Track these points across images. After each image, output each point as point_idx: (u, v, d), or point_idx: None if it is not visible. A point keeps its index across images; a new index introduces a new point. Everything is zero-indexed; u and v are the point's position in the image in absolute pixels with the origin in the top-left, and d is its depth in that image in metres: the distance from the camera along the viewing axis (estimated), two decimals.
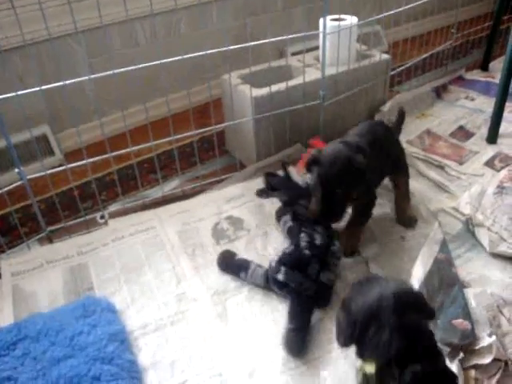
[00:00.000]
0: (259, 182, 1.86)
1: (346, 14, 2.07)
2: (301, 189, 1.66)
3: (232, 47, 1.70)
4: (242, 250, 1.62)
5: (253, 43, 1.71)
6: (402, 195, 1.74)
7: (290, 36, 1.74)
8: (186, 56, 1.65)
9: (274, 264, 1.42)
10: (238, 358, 1.30)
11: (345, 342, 1.01)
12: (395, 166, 1.70)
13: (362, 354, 0.98)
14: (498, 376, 1.23)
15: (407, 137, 2.19)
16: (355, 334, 0.96)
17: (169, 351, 1.33)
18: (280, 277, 1.39)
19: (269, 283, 1.44)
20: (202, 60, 1.74)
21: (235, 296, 1.47)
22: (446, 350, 1.26)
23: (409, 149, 2.08)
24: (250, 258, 1.57)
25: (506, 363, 1.25)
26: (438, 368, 0.93)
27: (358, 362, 1.04)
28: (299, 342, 1.31)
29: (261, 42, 1.73)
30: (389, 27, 3.05)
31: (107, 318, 1.36)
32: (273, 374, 1.26)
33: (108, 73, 1.58)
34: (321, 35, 1.83)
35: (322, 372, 1.26)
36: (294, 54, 2.54)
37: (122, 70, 1.57)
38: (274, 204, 1.76)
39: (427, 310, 0.99)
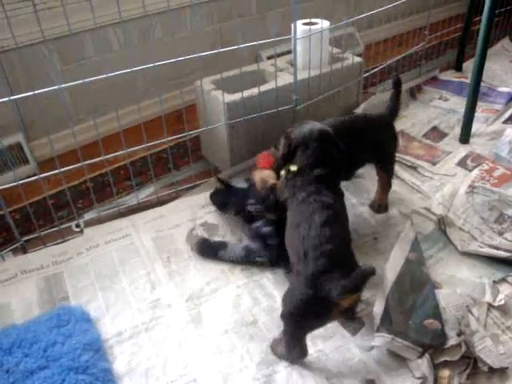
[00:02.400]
0: None
1: (320, 17, 2.09)
2: (243, 191, 1.69)
3: (203, 54, 1.71)
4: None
5: (223, 49, 1.72)
6: (383, 183, 1.80)
7: (261, 41, 1.75)
8: (157, 63, 1.65)
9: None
10: (213, 363, 1.31)
11: (283, 157, 1.43)
12: (377, 154, 1.73)
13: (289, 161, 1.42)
14: (467, 372, 1.26)
15: None
16: (291, 151, 1.40)
17: (143, 358, 1.34)
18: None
19: (249, 256, 1.58)
20: (177, 65, 1.75)
21: (210, 301, 1.48)
22: (418, 350, 1.28)
23: None
24: (225, 263, 1.60)
25: (475, 360, 1.28)
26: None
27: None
28: None
29: (231, 48, 1.73)
30: (364, 29, 3.10)
31: (82, 327, 1.37)
32: (247, 379, 1.27)
33: (78, 82, 1.57)
34: (292, 40, 1.84)
35: (297, 378, 1.27)
36: (269, 58, 2.55)
37: (92, 79, 1.57)
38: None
39: (338, 146, 1.40)
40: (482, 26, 1.99)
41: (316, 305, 1.15)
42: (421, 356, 1.27)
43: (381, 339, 1.31)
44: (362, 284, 1.12)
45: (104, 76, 1.60)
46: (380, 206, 1.82)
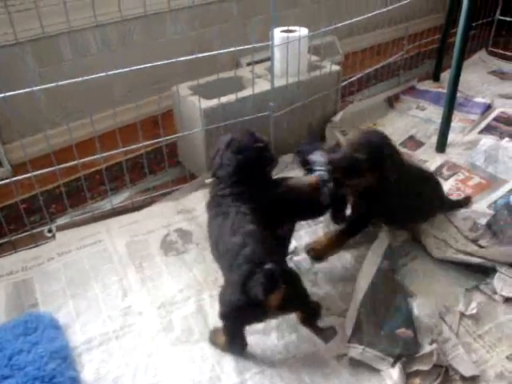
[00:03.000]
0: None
1: (303, 25, 2.10)
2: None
3: (180, 59, 1.70)
4: (190, 263, 1.61)
5: (201, 55, 1.71)
6: None
7: (238, 48, 1.75)
8: (132, 68, 1.64)
9: None
10: (183, 372, 1.29)
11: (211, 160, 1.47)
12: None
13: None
14: (438, 381, 1.26)
15: None
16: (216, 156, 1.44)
17: (113, 367, 1.31)
18: None
19: None
20: (156, 70, 1.74)
21: (181, 308, 1.46)
22: (389, 360, 1.28)
23: None
24: (199, 271, 1.58)
25: (447, 369, 1.28)
26: None
27: None
28: None
29: (208, 54, 1.73)
30: (344, 38, 3.12)
31: (50, 335, 1.34)
32: None
33: (52, 85, 1.55)
34: (270, 47, 1.84)
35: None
36: (249, 64, 2.55)
37: (66, 82, 1.55)
38: None
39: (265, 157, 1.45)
40: (458, 38, 2.02)
41: (250, 308, 1.20)
42: (393, 365, 1.27)
43: (352, 350, 1.31)
44: (275, 282, 1.15)
45: (79, 79, 1.58)
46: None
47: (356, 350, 1.30)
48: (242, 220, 1.30)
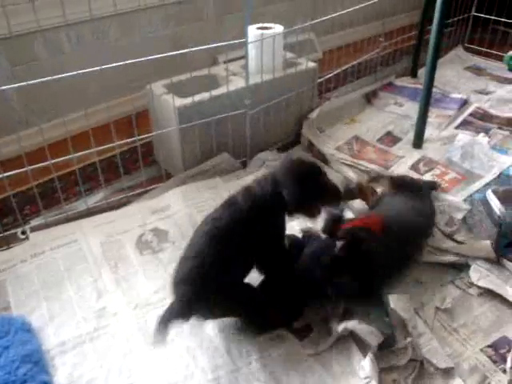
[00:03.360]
0: (186, 192, 1.85)
1: (281, 23, 2.09)
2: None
3: (153, 57, 1.69)
4: (166, 262, 1.60)
5: (174, 53, 1.70)
6: None
7: (212, 45, 1.74)
8: (104, 66, 1.62)
9: None
10: (158, 372, 1.28)
11: None
12: None
13: None
14: (413, 375, 1.27)
15: (336, 143, 2.23)
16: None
17: (87, 369, 1.30)
18: None
19: None
20: (132, 69, 1.72)
21: (157, 309, 1.44)
22: (379, 337, 1.30)
23: (337, 155, 2.11)
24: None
25: (422, 363, 1.29)
26: None
27: None
28: None
29: (182, 51, 1.71)
30: (323, 35, 3.13)
31: (21, 339, 1.31)
32: None
33: (22, 84, 1.53)
34: (244, 44, 1.84)
35: (241, 382, 1.25)
36: (226, 61, 2.54)
37: (36, 81, 1.53)
38: (200, 212, 1.76)
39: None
40: (433, 35, 2.03)
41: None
42: (364, 356, 1.28)
43: (345, 323, 1.34)
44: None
45: (49, 78, 1.56)
46: None
47: (351, 323, 1.32)
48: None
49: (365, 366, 1.25)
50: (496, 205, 1.75)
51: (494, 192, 1.82)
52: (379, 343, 1.30)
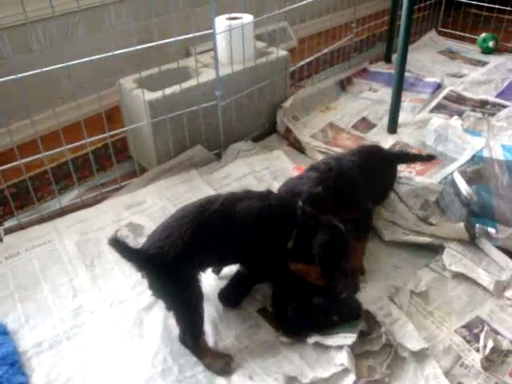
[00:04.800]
0: (161, 186, 1.85)
1: (252, 12, 2.08)
2: None
3: (123, 50, 1.67)
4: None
5: (141, 46, 1.69)
6: None
7: (180, 37, 1.73)
8: (70, 63, 1.60)
9: None
10: (136, 365, 1.28)
11: None
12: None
13: None
14: (388, 361, 1.28)
15: (311, 131, 2.23)
16: None
17: (64, 368, 1.29)
18: None
19: None
20: (103, 64, 1.70)
21: (134, 304, 1.45)
22: (353, 336, 1.29)
23: (312, 143, 2.12)
24: None
25: (396, 348, 1.30)
26: None
27: None
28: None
29: (150, 45, 1.71)
30: (297, 23, 3.11)
31: None
32: (169, 381, 1.25)
33: None
34: (212, 35, 1.82)
35: (218, 380, 1.25)
36: (199, 53, 2.52)
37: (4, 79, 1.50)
38: (175, 205, 1.76)
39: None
40: (403, 19, 2.04)
41: None
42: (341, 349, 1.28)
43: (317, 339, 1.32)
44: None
45: (15, 77, 1.54)
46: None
47: (322, 338, 1.31)
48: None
49: (341, 355, 1.26)
50: (463, 185, 1.76)
51: (462, 173, 1.85)
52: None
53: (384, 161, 1.75)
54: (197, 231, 1.22)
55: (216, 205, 1.27)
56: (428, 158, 1.89)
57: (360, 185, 1.54)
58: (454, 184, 1.76)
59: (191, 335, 1.26)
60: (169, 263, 1.19)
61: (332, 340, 1.30)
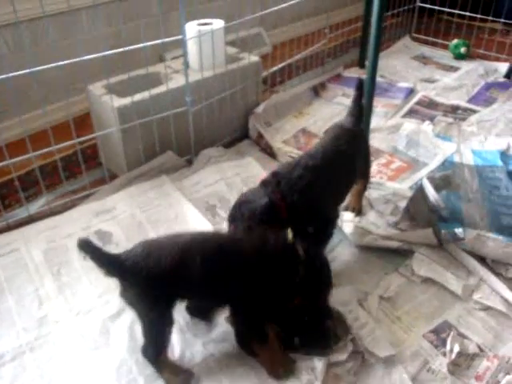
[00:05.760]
0: (131, 193, 1.83)
1: (225, 17, 2.08)
2: None
3: (92, 56, 1.65)
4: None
5: (110, 52, 1.67)
6: (359, 189, 1.76)
7: (149, 43, 1.71)
8: (34, 69, 1.57)
9: None
10: (101, 376, 1.26)
11: None
12: (362, 170, 1.70)
13: None
14: (355, 368, 1.27)
15: (283, 136, 2.24)
16: None
17: (26, 380, 1.27)
18: None
19: None
20: (75, 70, 1.67)
21: (100, 313, 1.43)
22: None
23: (284, 148, 2.12)
24: None
25: (363, 354, 1.29)
26: None
27: None
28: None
29: (118, 50, 1.69)
30: (271, 29, 3.12)
31: None
32: None
33: None
34: (182, 41, 1.81)
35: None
36: (173, 58, 2.51)
37: None
38: (145, 212, 1.74)
39: None
40: (373, 26, 2.03)
41: None
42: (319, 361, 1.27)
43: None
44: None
45: None
46: (354, 208, 1.78)
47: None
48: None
49: (309, 366, 1.25)
50: (431, 192, 1.78)
51: (430, 179, 1.86)
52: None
53: (353, 136, 1.62)
54: (180, 262, 1.17)
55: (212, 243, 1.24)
56: (358, 86, 1.71)
57: (317, 193, 1.43)
58: (422, 191, 1.77)
59: (153, 349, 1.23)
60: (140, 281, 1.16)
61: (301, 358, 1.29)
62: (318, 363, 1.25)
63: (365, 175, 1.75)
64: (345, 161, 1.55)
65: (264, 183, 1.41)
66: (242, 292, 1.20)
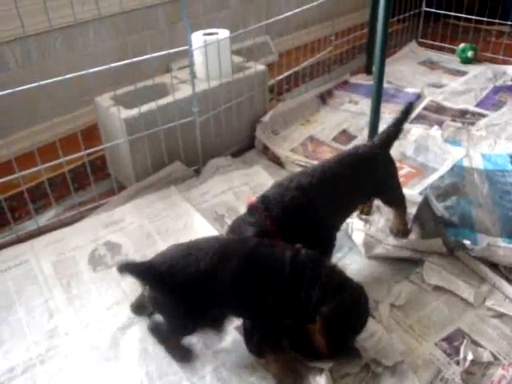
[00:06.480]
0: (139, 204, 1.83)
1: (232, 27, 2.09)
2: None
3: (99, 68, 1.66)
4: (118, 278, 1.57)
5: (116, 64, 1.68)
6: (395, 212, 1.69)
7: (155, 54, 1.72)
8: (42, 82, 1.59)
9: None
10: None
11: None
12: (377, 192, 1.61)
13: None
14: (367, 379, 1.26)
15: (291, 145, 2.23)
16: None
17: None
18: None
19: None
20: (83, 82, 1.68)
21: (109, 325, 1.42)
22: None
23: (292, 156, 2.12)
24: (127, 284, 1.54)
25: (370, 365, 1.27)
26: None
27: None
28: None
29: (124, 62, 1.70)
30: (277, 38, 3.13)
31: None
32: None
33: None
34: (188, 51, 1.82)
35: None
36: (180, 68, 2.52)
37: None
38: (153, 223, 1.74)
39: None
40: (379, 31, 2.03)
41: None
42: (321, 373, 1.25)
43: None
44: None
45: None
46: (399, 230, 1.69)
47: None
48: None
49: (319, 380, 1.23)
50: (435, 204, 1.76)
51: (435, 188, 1.85)
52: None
53: (364, 161, 1.54)
54: (218, 263, 1.17)
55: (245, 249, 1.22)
56: (406, 110, 1.62)
57: (313, 212, 1.38)
58: (427, 202, 1.75)
59: (166, 336, 1.29)
60: (175, 286, 1.17)
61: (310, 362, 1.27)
62: (324, 376, 1.23)
63: (393, 202, 1.67)
64: (347, 185, 1.47)
65: (251, 209, 1.36)
66: (270, 302, 1.18)
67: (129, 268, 1.18)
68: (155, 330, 1.30)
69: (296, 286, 1.16)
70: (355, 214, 1.73)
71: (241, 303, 1.22)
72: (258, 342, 1.26)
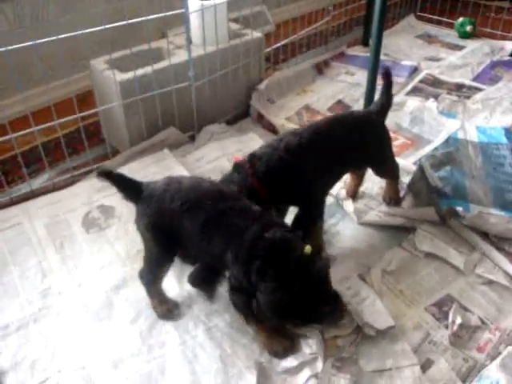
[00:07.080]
0: (131, 169, 1.82)
1: None
2: None
3: (92, 29, 1.64)
4: (112, 238, 1.58)
5: (110, 25, 1.66)
6: (386, 181, 1.70)
7: (152, 16, 1.70)
8: (37, 41, 1.56)
9: None
10: (103, 349, 1.27)
11: None
12: (366, 158, 1.56)
13: None
14: (357, 341, 1.28)
15: (286, 114, 2.22)
16: None
17: (30, 350, 1.28)
18: None
19: None
20: (76, 46, 1.65)
21: (102, 285, 1.43)
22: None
23: (287, 125, 2.11)
24: (121, 246, 1.55)
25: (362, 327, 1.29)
26: None
27: None
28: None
29: (118, 24, 1.68)
30: (274, 8, 3.09)
31: None
32: (138, 363, 1.24)
33: None
34: (184, 15, 1.80)
35: (191, 357, 1.25)
36: (176, 35, 2.48)
37: None
38: None
39: None
40: (377, 5, 2.01)
41: None
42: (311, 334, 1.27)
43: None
44: None
45: None
46: (391, 199, 1.70)
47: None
48: None
49: (311, 343, 1.25)
50: (429, 173, 1.77)
51: (431, 157, 1.85)
52: None
53: (358, 125, 1.51)
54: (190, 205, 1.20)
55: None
56: (386, 75, 1.58)
57: (299, 174, 1.37)
58: (421, 171, 1.76)
59: (150, 276, 1.32)
60: (152, 212, 1.23)
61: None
62: (315, 339, 1.25)
63: (381, 172, 1.66)
64: (339, 147, 1.45)
65: (236, 166, 1.37)
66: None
67: (108, 174, 1.25)
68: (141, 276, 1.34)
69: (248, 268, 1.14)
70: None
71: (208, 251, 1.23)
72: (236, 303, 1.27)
